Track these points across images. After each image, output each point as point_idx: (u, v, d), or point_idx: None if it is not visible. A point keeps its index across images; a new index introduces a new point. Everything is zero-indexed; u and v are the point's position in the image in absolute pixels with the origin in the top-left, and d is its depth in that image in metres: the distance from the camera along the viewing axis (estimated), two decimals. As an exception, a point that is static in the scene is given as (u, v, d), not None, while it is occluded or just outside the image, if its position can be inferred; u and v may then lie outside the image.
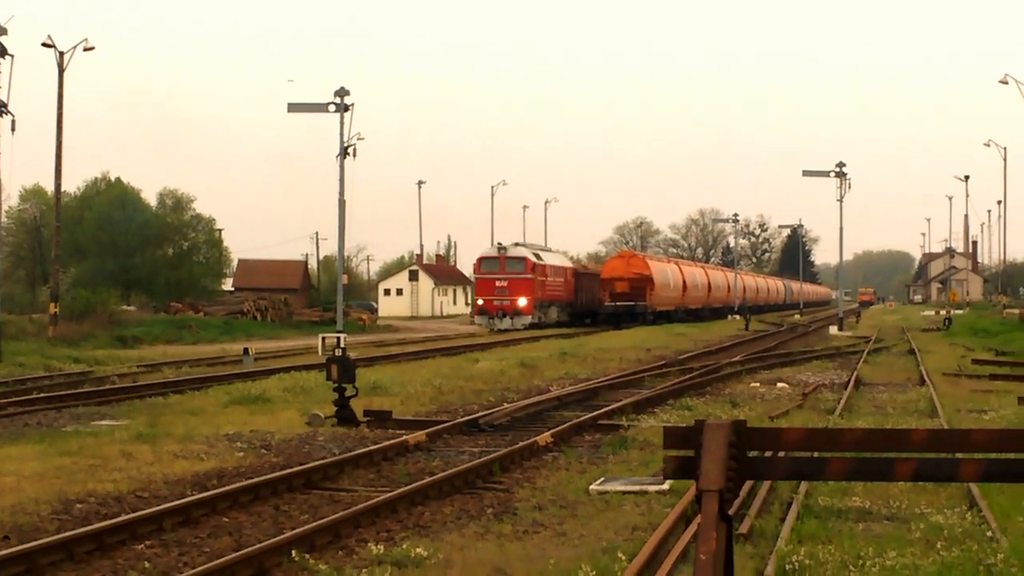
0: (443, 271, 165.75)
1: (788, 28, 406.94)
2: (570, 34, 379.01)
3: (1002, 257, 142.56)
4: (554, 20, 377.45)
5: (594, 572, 13.52)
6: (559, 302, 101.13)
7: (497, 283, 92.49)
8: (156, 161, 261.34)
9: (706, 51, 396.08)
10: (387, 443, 23.97)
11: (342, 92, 62.82)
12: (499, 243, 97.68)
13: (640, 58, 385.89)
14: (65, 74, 66.03)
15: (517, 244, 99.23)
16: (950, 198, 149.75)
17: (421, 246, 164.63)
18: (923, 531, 15.43)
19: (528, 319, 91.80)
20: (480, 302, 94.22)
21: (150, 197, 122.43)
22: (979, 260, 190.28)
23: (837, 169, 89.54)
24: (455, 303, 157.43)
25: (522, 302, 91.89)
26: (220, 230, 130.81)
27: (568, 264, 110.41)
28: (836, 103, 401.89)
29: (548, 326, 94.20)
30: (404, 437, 24.73)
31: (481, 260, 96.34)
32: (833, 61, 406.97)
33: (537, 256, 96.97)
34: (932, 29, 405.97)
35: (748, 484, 17.36)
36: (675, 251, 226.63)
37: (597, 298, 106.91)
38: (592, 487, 19.56)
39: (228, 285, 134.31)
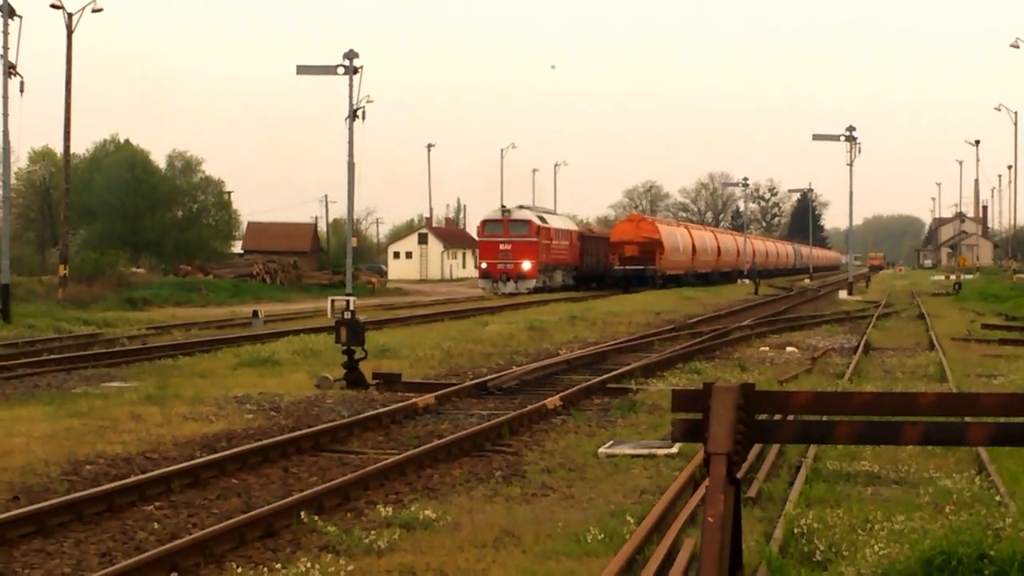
0: (452, 234, 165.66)
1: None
2: (583, 2, 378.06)
3: (1012, 222, 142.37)
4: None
5: (602, 535, 13.54)
6: (564, 266, 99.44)
7: (501, 246, 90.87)
8: (165, 123, 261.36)
9: (716, 13, 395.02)
10: (396, 406, 23.99)
11: (351, 55, 62.83)
12: (503, 205, 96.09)
13: (651, 21, 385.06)
14: (74, 35, 66.00)
15: (521, 207, 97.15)
16: (960, 163, 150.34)
17: (431, 209, 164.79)
18: (931, 495, 15.41)
19: (532, 283, 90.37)
20: (484, 266, 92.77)
21: (159, 159, 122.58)
22: (989, 225, 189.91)
23: (847, 133, 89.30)
24: (464, 266, 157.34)
25: (526, 266, 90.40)
26: (229, 192, 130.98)
27: (574, 227, 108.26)
28: (847, 66, 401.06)
29: (553, 290, 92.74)
30: (413, 400, 24.74)
31: (485, 223, 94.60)
32: (843, 23, 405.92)
33: (542, 219, 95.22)
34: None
35: (757, 448, 17.38)
36: (685, 215, 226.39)
37: (603, 262, 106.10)
38: (601, 450, 19.57)
39: (237, 248, 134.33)
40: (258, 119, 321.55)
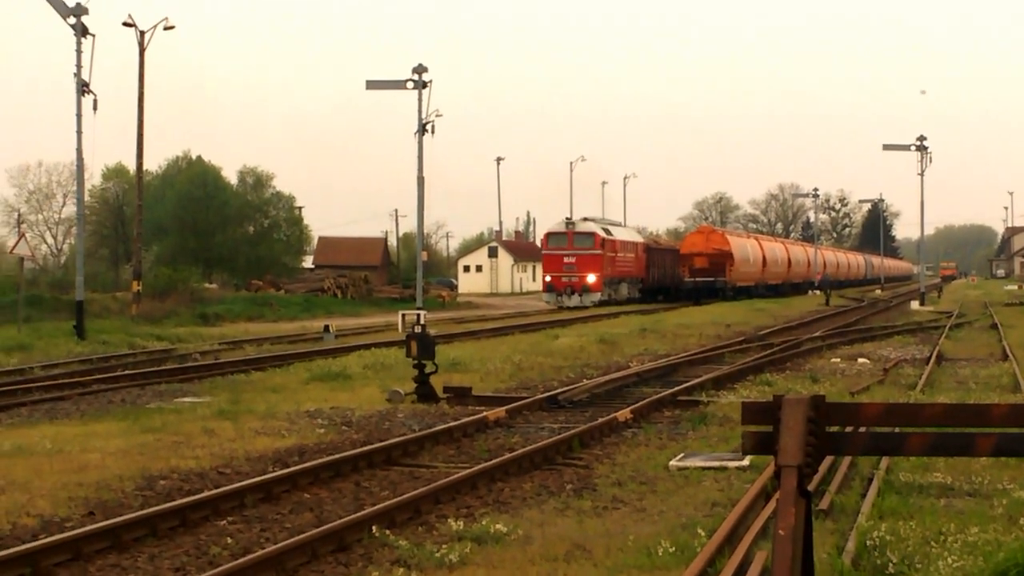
0: (522, 247, 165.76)
1: (869, 1, 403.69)
2: (646, 5, 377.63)
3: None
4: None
5: (674, 548, 13.52)
6: (630, 278, 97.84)
7: (565, 259, 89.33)
8: (236, 139, 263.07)
9: (785, 22, 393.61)
10: (467, 419, 24.02)
11: (420, 69, 63.03)
12: (567, 217, 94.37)
13: (718, 30, 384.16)
14: (146, 53, 66.58)
15: (586, 219, 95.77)
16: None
17: (500, 222, 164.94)
18: (1006, 507, 15.31)
19: (598, 296, 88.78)
20: (548, 279, 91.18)
21: (230, 175, 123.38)
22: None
23: (918, 143, 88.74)
24: (534, 279, 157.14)
25: (591, 279, 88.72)
26: (300, 207, 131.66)
27: (639, 239, 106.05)
28: (917, 74, 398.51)
29: (619, 303, 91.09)
30: (484, 413, 24.77)
31: (549, 235, 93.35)
32: (915, 30, 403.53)
33: (607, 231, 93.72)
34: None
35: (828, 460, 17.31)
36: (755, 226, 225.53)
37: (670, 274, 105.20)
38: (672, 463, 19.54)
39: (308, 262, 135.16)
40: (329, 134, 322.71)
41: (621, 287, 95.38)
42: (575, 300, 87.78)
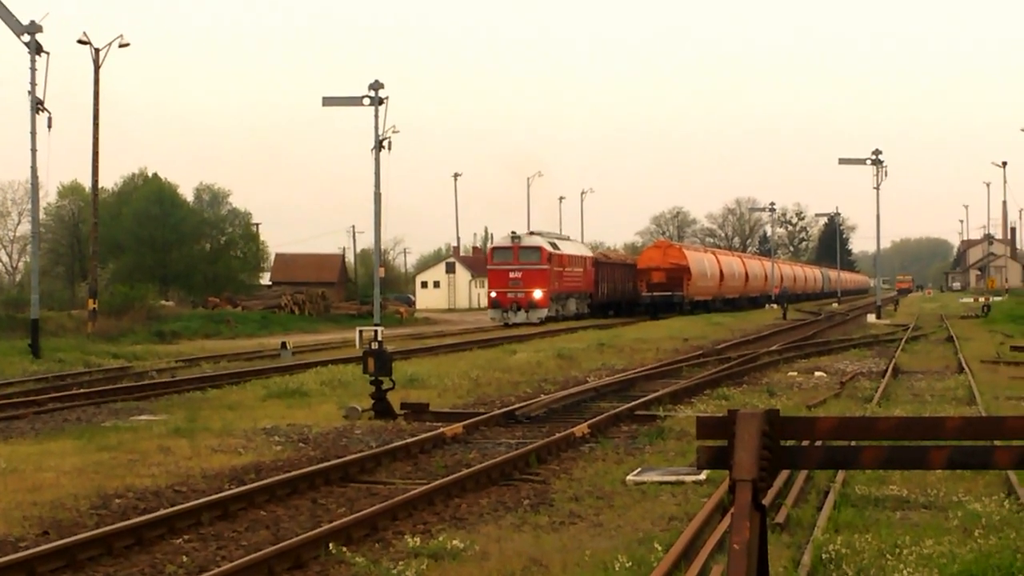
0: (480, 263, 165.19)
1: (823, 15, 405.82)
2: (604, 23, 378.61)
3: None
4: (588, 11, 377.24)
5: (630, 563, 13.52)
6: (578, 293, 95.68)
7: (511, 274, 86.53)
8: (192, 156, 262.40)
9: (740, 40, 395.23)
10: (424, 436, 24.00)
11: (376, 85, 63.13)
12: (512, 231, 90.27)
13: (675, 48, 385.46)
14: (100, 71, 66.37)
15: (532, 233, 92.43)
16: (988, 184, 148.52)
17: (458, 238, 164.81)
18: (961, 519, 15.38)
19: (544, 312, 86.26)
20: (493, 295, 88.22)
21: (187, 192, 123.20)
22: (1018, 246, 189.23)
23: (873, 156, 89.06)
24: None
25: (537, 294, 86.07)
26: (257, 224, 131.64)
27: (588, 253, 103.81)
28: (872, 90, 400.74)
29: (567, 319, 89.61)
30: (441, 429, 24.75)
31: (494, 250, 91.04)
32: (869, 48, 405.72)
33: (553, 245, 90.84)
34: (969, 16, 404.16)
35: (785, 473, 17.36)
36: (712, 241, 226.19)
37: (621, 288, 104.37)
38: (629, 478, 19.56)
39: (266, 279, 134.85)
40: (286, 151, 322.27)
41: (569, 303, 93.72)
42: (521, 316, 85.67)
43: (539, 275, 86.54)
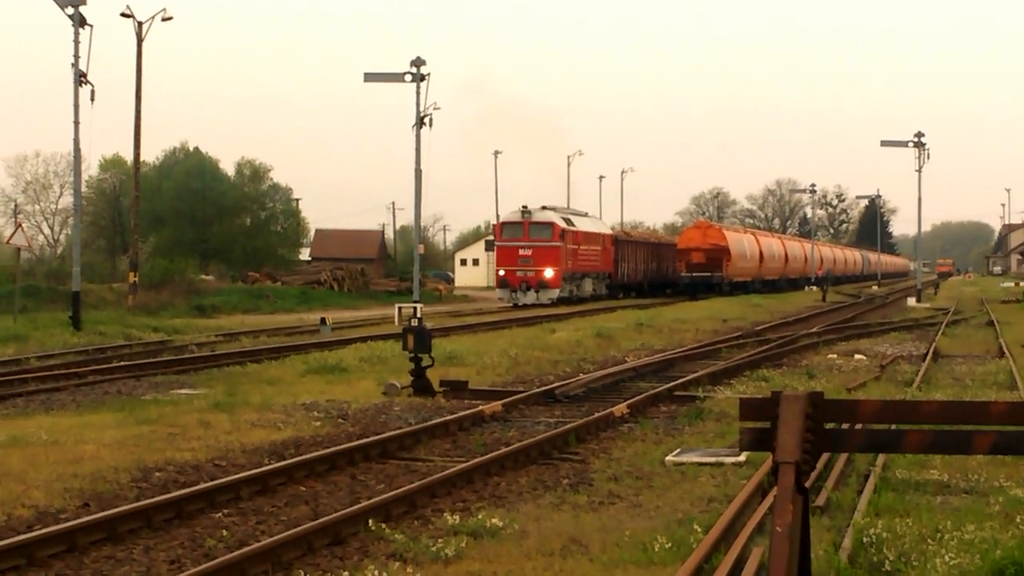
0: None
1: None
2: (648, 6, 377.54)
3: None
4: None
5: (669, 543, 13.50)
6: (595, 273, 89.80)
7: (520, 252, 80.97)
8: (234, 130, 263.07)
9: (781, 18, 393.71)
10: (463, 413, 24.01)
11: (418, 62, 63.11)
12: (524, 206, 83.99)
13: (716, 27, 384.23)
14: (143, 44, 66.52)
15: (544, 207, 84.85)
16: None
17: (497, 216, 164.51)
18: (1002, 504, 15.30)
19: (556, 293, 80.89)
20: (501, 273, 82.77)
21: (228, 167, 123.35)
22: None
23: (916, 139, 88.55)
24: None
25: (548, 273, 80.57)
26: (298, 200, 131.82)
27: (606, 231, 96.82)
28: (915, 70, 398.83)
29: (582, 300, 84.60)
30: (480, 407, 24.75)
31: (503, 225, 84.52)
32: (912, 27, 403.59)
33: (567, 221, 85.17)
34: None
35: (825, 456, 17.29)
36: (752, 222, 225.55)
37: (643, 268, 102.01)
38: (668, 458, 19.53)
39: (305, 255, 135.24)
40: (327, 126, 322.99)
41: (585, 283, 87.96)
42: (531, 296, 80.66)
43: (550, 253, 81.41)
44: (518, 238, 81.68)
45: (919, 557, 12.59)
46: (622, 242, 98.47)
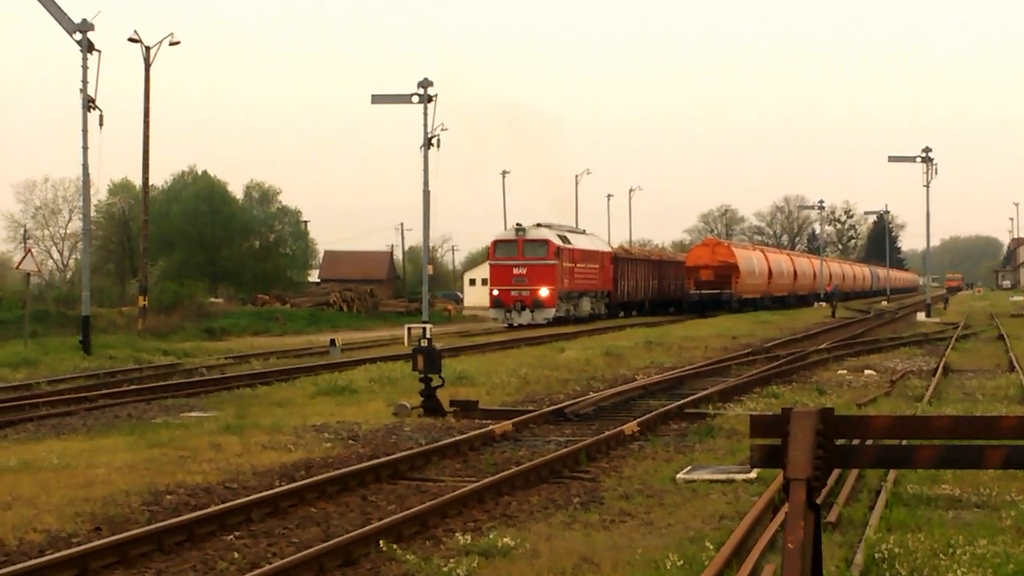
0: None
1: (873, 12, 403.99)
2: (655, 22, 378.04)
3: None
4: (637, 7, 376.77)
5: (681, 561, 13.48)
6: (593, 292, 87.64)
7: (515, 270, 78.83)
8: (242, 154, 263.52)
9: (788, 36, 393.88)
10: (473, 433, 24.00)
11: (425, 83, 63.21)
12: (518, 223, 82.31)
13: (722, 43, 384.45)
14: (151, 69, 66.66)
15: (539, 225, 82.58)
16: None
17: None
18: (1014, 519, 15.28)
19: (552, 312, 78.61)
20: (495, 293, 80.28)
21: (236, 190, 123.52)
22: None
23: (923, 154, 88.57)
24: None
25: (543, 292, 78.25)
26: (306, 222, 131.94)
27: (604, 248, 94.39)
28: (922, 87, 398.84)
29: (580, 320, 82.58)
30: (490, 427, 24.75)
31: (496, 244, 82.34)
32: (920, 42, 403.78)
33: (563, 238, 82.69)
34: (1020, 8, 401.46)
35: (836, 472, 17.28)
36: (760, 238, 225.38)
37: (643, 287, 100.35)
38: (679, 476, 19.51)
39: (314, 276, 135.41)
40: (335, 148, 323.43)
41: (582, 302, 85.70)
42: (526, 317, 78.29)
43: (546, 271, 78.99)
44: (512, 256, 79.86)
45: (931, 572, 12.58)
46: (622, 260, 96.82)
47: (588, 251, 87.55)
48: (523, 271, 78.80)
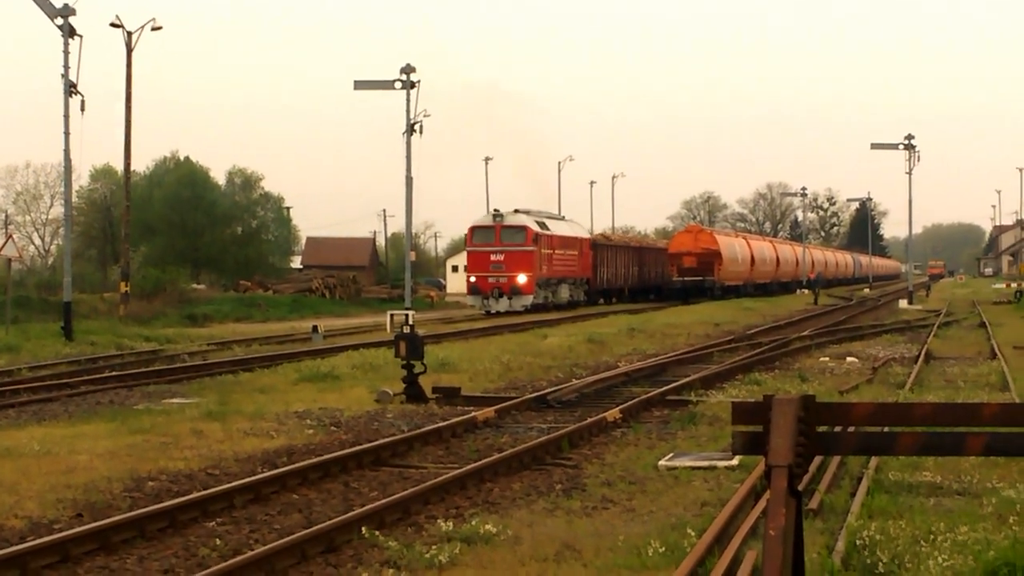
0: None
1: (856, 1, 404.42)
2: (638, 10, 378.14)
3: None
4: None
5: (663, 548, 13.51)
6: (572, 279, 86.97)
7: (492, 257, 78.17)
8: (224, 140, 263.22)
9: (771, 23, 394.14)
10: (456, 420, 24.02)
11: (408, 69, 63.04)
12: (495, 209, 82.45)
13: (705, 30, 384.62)
14: (133, 54, 66.49)
15: (517, 211, 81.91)
16: (1021, 169, 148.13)
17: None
18: (995, 506, 15.31)
19: (530, 299, 77.91)
20: (472, 279, 79.69)
21: (219, 176, 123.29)
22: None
23: (906, 141, 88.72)
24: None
25: (521, 279, 77.54)
26: (289, 208, 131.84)
27: (583, 234, 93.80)
28: (904, 73, 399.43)
29: (559, 308, 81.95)
30: (473, 414, 24.77)
31: (474, 230, 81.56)
32: (901, 29, 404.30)
33: (542, 225, 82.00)
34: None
35: (818, 459, 17.30)
36: (743, 225, 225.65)
37: (623, 273, 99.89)
38: (661, 463, 19.53)
39: (297, 263, 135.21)
40: (317, 134, 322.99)
41: (561, 289, 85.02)
42: (503, 304, 77.40)
43: (524, 258, 78.37)
44: (489, 243, 79.20)
45: (912, 559, 12.60)
46: (601, 246, 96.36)
47: (567, 237, 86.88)
48: (500, 257, 78.24)
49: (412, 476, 19.00)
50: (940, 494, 16.52)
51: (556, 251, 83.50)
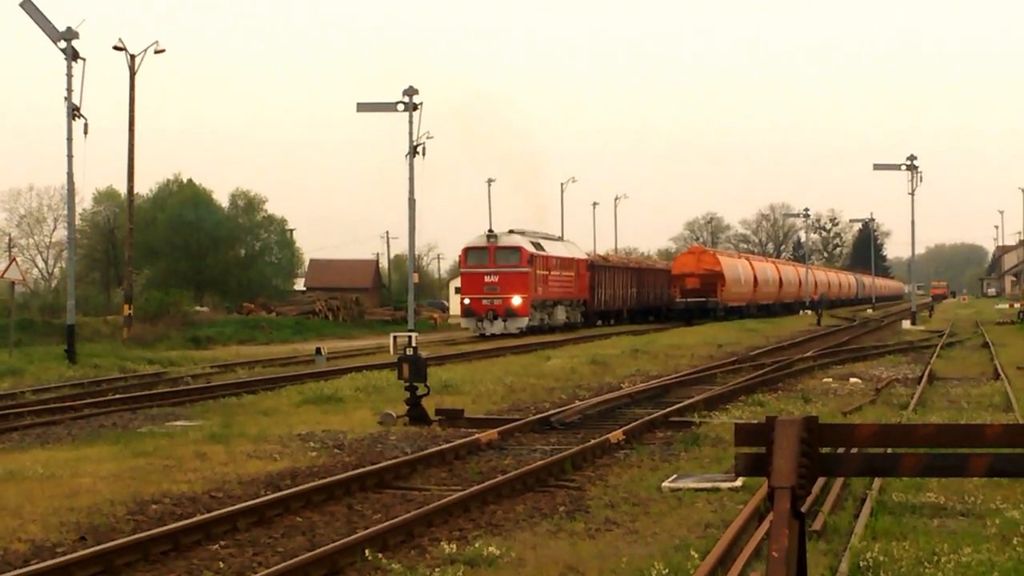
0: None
1: (858, 20, 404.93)
2: (639, 31, 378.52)
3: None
4: (623, 17, 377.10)
5: (667, 570, 13.49)
6: (568, 300, 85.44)
7: (486, 278, 76.65)
8: (227, 162, 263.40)
9: (772, 46, 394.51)
10: (459, 442, 23.99)
11: (411, 91, 63.14)
12: (489, 230, 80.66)
13: (709, 54, 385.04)
14: (136, 77, 66.58)
15: (512, 231, 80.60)
16: (1023, 190, 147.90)
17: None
18: (999, 527, 15.30)
19: (525, 321, 76.50)
20: (466, 301, 78.35)
21: (222, 198, 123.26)
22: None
23: (908, 162, 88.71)
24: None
25: (516, 301, 76.02)
26: (292, 230, 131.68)
27: (580, 255, 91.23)
28: (908, 94, 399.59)
29: (555, 329, 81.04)
30: (476, 435, 24.74)
31: (467, 251, 79.90)
32: (905, 51, 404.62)
33: (536, 245, 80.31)
34: (1004, 19, 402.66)
35: (821, 480, 17.29)
36: (746, 246, 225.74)
37: (622, 295, 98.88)
38: (664, 484, 19.52)
39: (300, 285, 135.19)
40: (321, 156, 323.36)
41: (557, 310, 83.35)
42: (498, 326, 76.07)
43: (518, 279, 76.71)
44: (483, 264, 77.51)
45: (916, 580, 12.60)
46: (599, 267, 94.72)
47: (563, 258, 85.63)
48: (495, 279, 76.75)
49: (415, 498, 18.99)
50: (944, 515, 16.50)
51: (552, 272, 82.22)
